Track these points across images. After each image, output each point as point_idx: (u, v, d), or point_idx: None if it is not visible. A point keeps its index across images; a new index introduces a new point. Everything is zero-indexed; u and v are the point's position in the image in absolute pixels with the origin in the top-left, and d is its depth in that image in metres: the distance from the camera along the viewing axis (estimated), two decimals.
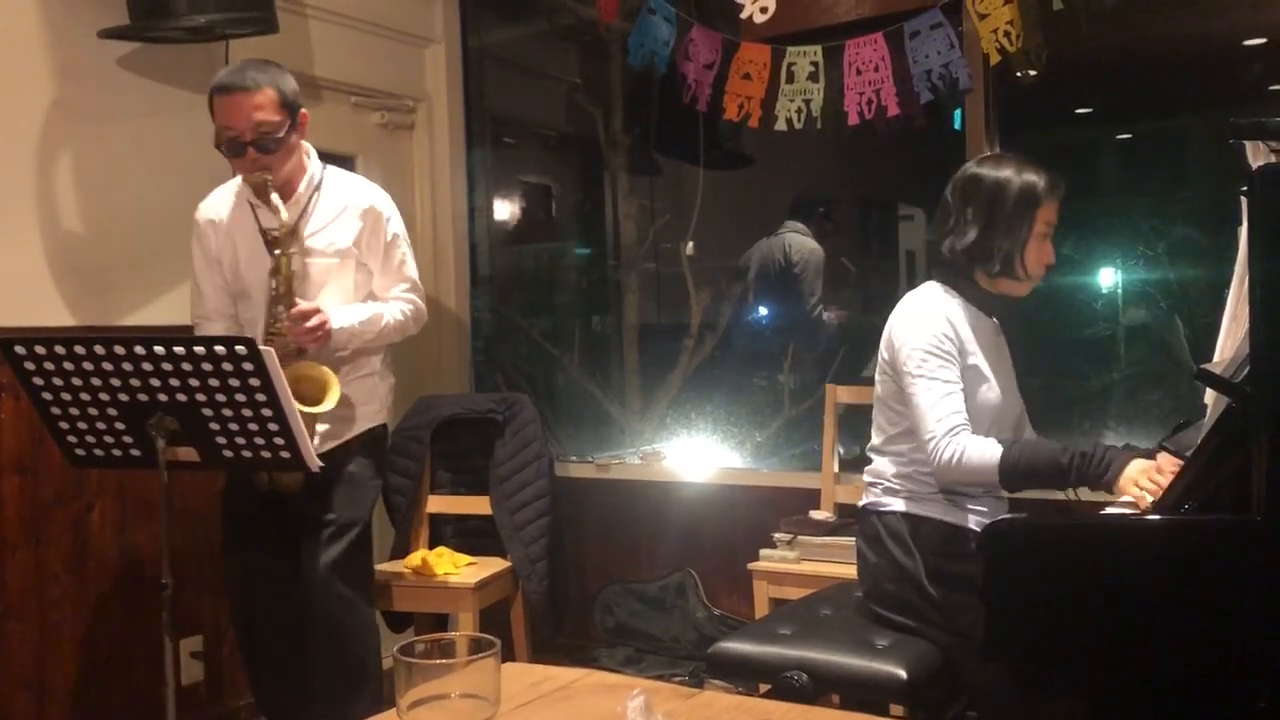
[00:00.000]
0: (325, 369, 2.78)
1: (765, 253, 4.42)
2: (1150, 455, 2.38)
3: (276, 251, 2.78)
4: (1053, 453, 2.22)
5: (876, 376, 2.50)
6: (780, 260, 4.34)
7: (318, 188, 2.91)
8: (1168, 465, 2.37)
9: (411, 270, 3.05)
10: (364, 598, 2.97)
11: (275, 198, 2.76)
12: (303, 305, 2.76)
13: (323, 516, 2.87)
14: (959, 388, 2.33)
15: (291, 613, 2.89)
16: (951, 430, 2.27)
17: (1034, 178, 2.39)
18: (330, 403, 2.73)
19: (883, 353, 2.46)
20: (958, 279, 2.46)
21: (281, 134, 2.75)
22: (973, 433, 2.32)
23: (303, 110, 2.84)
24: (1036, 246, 2.40)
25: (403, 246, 3.02)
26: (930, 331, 2.35)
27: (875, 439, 2.52)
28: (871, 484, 2.51)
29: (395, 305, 2.99)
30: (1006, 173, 2.40)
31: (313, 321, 2.74)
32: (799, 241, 4.31)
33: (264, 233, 2.82)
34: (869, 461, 2.55)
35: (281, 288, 2.78)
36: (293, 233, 2.81)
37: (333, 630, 2.86)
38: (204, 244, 2.96)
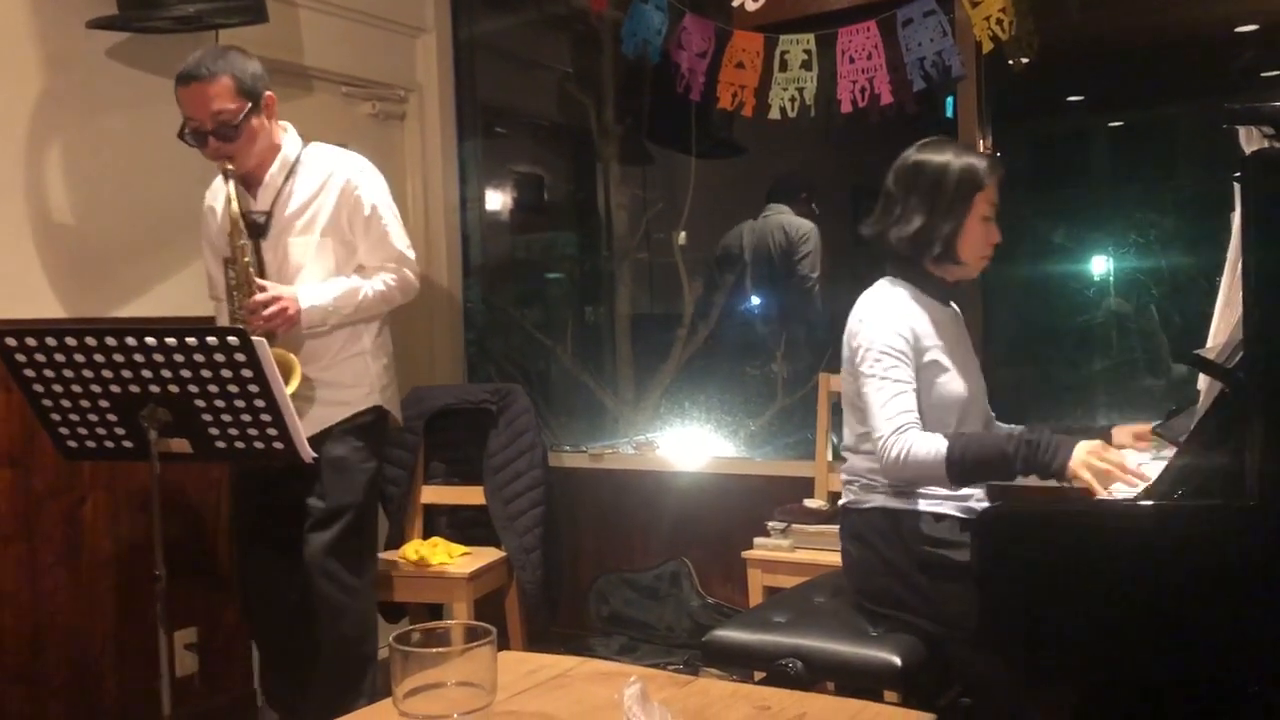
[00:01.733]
0: (289, 354, 2.76)
1: (759, 235, 4.35)
2: (1106, 434, 2.39)
3: (239, 243, 2.80)
4: (998, 443, 2.19)
5: (842, 376, 2.48)
6: (781, 241, 4.30)
7: (293, 167, 2.88)
8: (1121, 436, 2.39)
9: (397, 242, 2.98)
10: (358, 582, 2.93)
11: (231, 188, 2.78)
12: (258, 296, 2.76)
13: (312, 503, 2.85)
14: (911, 388, 2.32)
15: (293, 603, 2.88)
16: (899, 429, 2.25)
17: (974, 161, 2.41)
18: (290, 388, 2.67)
19: (844, 351, 2.45)
20: (910, 270, 2.46)
21: (239, 120, 2.75)
22: (936, 428, 2.31)
23: (268, 93, 2.83)
24: (981, 229, 2.41)
25: (385, 218, 2.95)
26: (885, 331, 2.34)
27: (848, 438, 2.49)
28: (849, 481, 2.48)
29: (377, 278, 2.94)
30: (947, 157, 2.41)
31: (269, 310, 2.74)
32: (795, 222, 4.28)
33: (244, 216, 2.83)
34: (845, 460, 2.52)
35: (237, 278, 2.80)
36: (251, 225, 2.82)
37: (329, 616, 2.85)
38: (206, 230, 3.00)
